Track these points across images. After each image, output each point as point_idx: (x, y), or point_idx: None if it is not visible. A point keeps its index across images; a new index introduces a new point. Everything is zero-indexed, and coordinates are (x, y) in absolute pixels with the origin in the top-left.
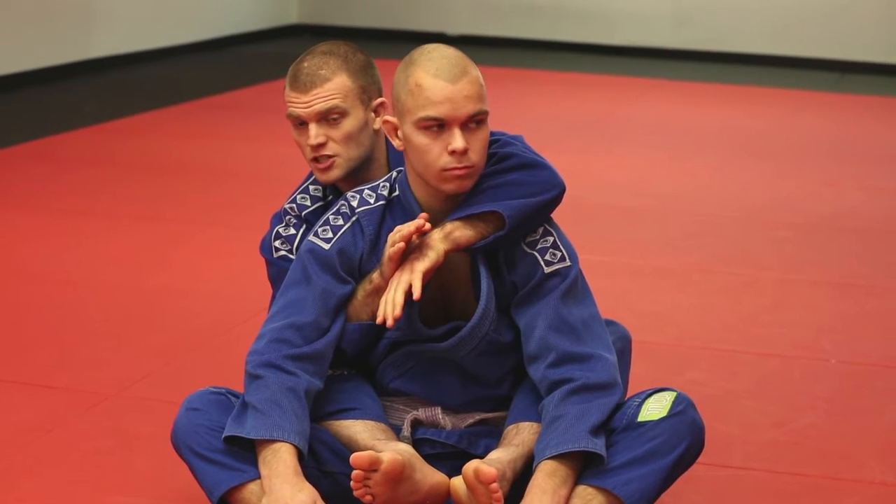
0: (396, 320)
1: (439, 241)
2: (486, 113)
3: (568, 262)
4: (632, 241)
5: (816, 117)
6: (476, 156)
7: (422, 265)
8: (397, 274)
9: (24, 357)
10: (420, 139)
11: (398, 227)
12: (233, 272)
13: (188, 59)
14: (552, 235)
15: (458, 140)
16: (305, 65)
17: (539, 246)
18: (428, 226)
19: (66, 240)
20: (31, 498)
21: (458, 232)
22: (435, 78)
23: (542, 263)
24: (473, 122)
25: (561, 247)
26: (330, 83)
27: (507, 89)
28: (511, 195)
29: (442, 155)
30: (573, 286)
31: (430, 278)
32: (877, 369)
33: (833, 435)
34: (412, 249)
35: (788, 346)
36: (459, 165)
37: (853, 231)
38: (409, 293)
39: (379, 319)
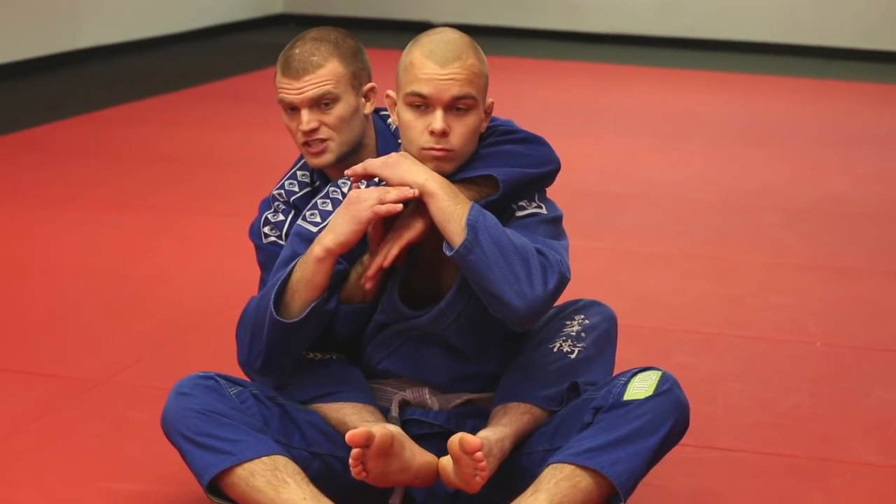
0: (394, 263)
1: None
2: (472, 98)
3: (547, 212)
4: (619, 227)
5: (802, 104)
6: (457, 140)
7: (418, 225)
8: (393, 234)
9: (14, 345)
10: (406, 115)
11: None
12: (220, 259)
13: (175, 49)
14: (542, 209)
15: (438, 121)
16: (297, 51)
17: (528, 212)
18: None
19: (53, 229)
20: (22, 483)
21: None
22: (426, 58)
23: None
24: (458, 106)
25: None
26: (322, 69)
27: (494, 78)
28: (507, 164)
29: (423, 134)
30: (551, 222)
31: (418, 250)
32: (861, 352)
33: (818, 417)
34: (402, 217)
35: (774, 330)
36: (437, 146)
37: (839, 216)
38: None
39: (371, 271)
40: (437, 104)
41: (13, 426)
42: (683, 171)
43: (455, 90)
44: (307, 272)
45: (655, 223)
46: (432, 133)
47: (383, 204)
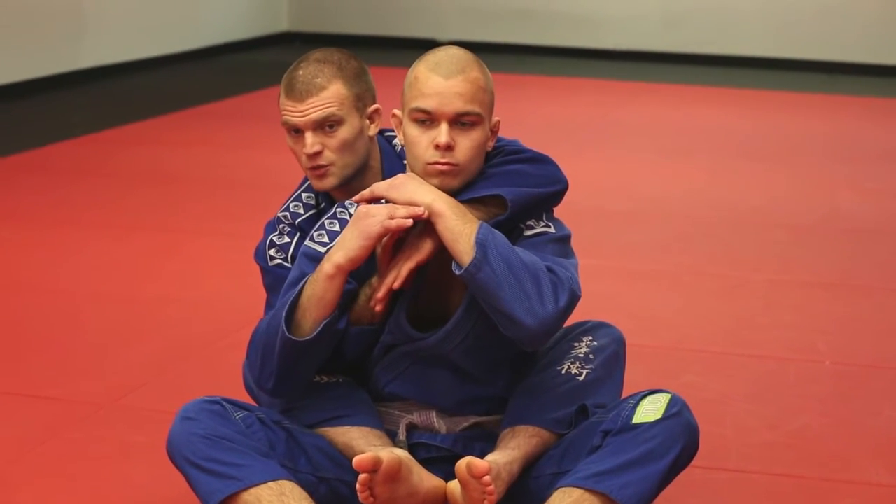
0: (403, 285)
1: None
2: (476, 115)
3: (556, 231)
4: (624, 245)
5: (808, 119)
6: (462, 155)
7: (426, 246)
8: (402, 255)
9: (19, 368)
10: (411, 131)
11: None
12: (226, 281)
13: (179, 69)
14: (550, 228)
15: (443, 134)
16: (300, 73)
17: (536, 231)
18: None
19: (58, 250)
20: None
21: None
22: (431, 72)
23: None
24: (463, 121)
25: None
26: (326, 91)
27: (498, 94)
28: (515, 183)
29: (428, 148)
30: (560, 241)
31: (426, 271)
32: (871, 370)
33: (828, 437)
34: (410, 238)
35: (782, 349)
36: (442, 160)
37: (846, 232)
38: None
39: (380, 293)
40: (441, 118)
41: (17, 450)
42: (688, 188)
43: (459, 104)
44: (318, 290)
45: (660, 240)
46: (437, 147)
47: (393, 219)
